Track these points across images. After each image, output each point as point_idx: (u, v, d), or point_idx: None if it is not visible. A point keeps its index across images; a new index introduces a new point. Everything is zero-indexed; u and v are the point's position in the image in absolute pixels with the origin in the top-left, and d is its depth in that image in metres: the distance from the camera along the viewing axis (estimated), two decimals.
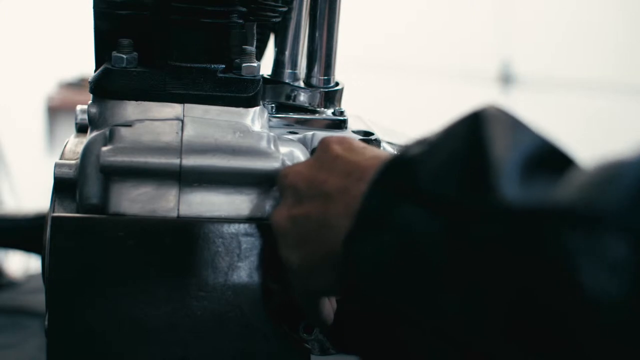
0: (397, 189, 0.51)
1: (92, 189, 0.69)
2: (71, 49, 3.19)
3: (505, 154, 0.47)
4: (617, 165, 0.43)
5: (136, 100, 0.71)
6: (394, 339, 0.52)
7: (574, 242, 0.41)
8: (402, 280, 0.50)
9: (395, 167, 0.53)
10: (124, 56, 0.71)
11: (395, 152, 0.58)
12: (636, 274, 0.40)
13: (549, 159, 0.48)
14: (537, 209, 0.44)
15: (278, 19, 0.78)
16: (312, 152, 0.75)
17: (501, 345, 0.44)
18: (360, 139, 0.75)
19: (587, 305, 0.40)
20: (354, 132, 0.78)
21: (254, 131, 0.71)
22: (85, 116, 0.74)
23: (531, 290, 0.43)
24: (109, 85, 0.71)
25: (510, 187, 0.46)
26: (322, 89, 0.80)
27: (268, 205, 0.71)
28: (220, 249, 0.69)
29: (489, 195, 0.46)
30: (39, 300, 0.91)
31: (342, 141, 0.65)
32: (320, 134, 0.76)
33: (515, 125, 0.50)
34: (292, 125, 0.78)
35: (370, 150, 0.63)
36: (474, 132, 0.50)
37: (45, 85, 3.60)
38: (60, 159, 0.74)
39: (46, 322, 0.68)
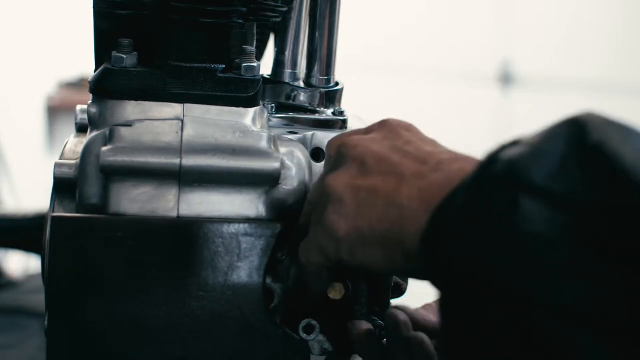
0: (507, 184, 0.50)
1: (92, 189, 0.69)
2: (71, 49, 3.19)
3: (633, 154, 0.48)
4: None
5: (136, 100, 0.71)
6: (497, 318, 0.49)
7: None
8: (512, 266, 0.48)
9: (493, 164, 0.51)
10: (124, 56, 0.71)
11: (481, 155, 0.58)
12: None
13: None
14: None
15: (278, 19, 0.78)
16: (312, 152, 0.75)
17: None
18: None
19: None
20: None
21: (254, 131, 0.71)
22: (85, 116, 0.74)
23: None
24: (109, 85, 0.71)
25: None
26: (322, 89, 0.80)
27: (268, 205, 0.71)
28: (220, 249, 0.69)
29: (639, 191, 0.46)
30: (39, 300, 0.91)
31: (409, 127, 0.66)
32: (320, 134, 0.76)
33: (624, 128, 0.51)
34: (292, 125, 0.78)
35: (438, 143, 0.64)
36: (580, 135, 0.50)
37: (45, 85, 3.60)
38: (60, 159, 0.73)
39: (46, 322, 0.68)
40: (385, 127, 0.66)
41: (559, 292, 0.46)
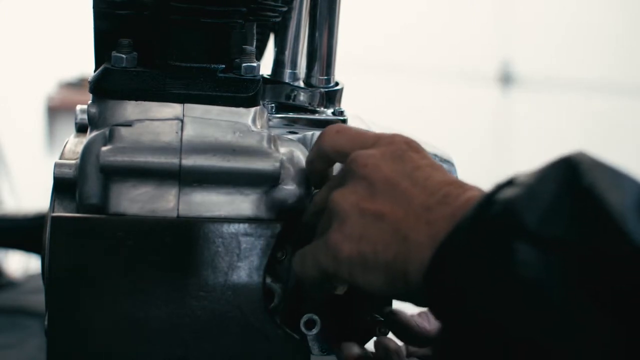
0: (503, 228, 0.52)
1: (91, 189, 0.69)
2: (71, 49, 3.19)
3: (619, 200, 0.49)
4: None
5: (136, 100, 0.71)
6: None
7: None
8: (511, 307, 0.50)
9: (490, 205, 0.53)
10: (124, 56, 0.71)
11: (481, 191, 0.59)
12: None
13: None
14: None
15: (278, 19, 0.78)
16: None
17: None
18: None
19: None
20: None
21: (254, 131, 0.71)
22: (85, 116, 0.74)
23: None
24: (109, 85, 0.71)
25: (637, 230, 0.48)
26: (322, 89, 0.80)
27: (268, 205, 0.71)
28: (220, 249, 0.69)
29: (621, 238, 0.48)
30: (39, 300, 0.91)
31: (417, 148, 0.65)
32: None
33: (614, 172, 0.52)
34: (292, 125, 0.78)
35: (444, 170, 0.64)
36: (572, 176, 0.51)
37: (45, 85, 3.60)
38: (60, 159, 0.73)
39: (46, 322, 0.68)
40: (394, 144, 0.65)
41: (554, 331, 0.48)
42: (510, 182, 0.54)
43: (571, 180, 0.51)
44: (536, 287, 0.49)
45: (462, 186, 0.61)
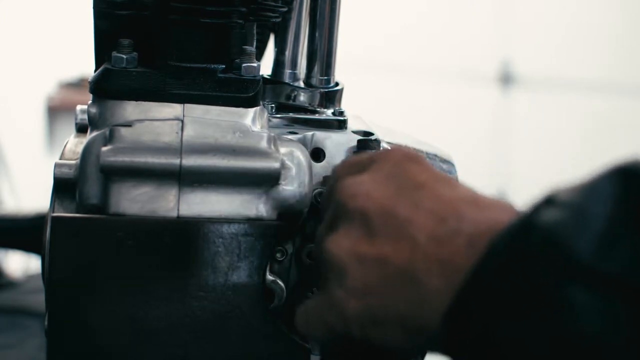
0: (549, 265, 0.41)
1: (92, 189, 0.69)
2: (71, 49, 3.19)
3: None
4: None
5: (136, 100, 0.71)
6: None
7: None
8: None
9: (532, 232, 0.43)
10: (124, 56, 0.71)
11: (513, 210, 0.48)
12: None
13: None
14: None
15: (278, 19, 0.78)
16: (312, 152, 0.75)
17: None
18: (360, 139, 0.75)
19: None
20: (353, 132, 0.78)
21: (254, 131, 0.71)
22: (85, 116, 0.74)
23: None
24: (109, 86, 0.71)
25: None
26: (322, 89, 0.80)
27: (268, 205, 0.71)
28: (220, 249, 0.69)
29: None
30: (39, 300, 0.91)
31: (417, 159, 0.56)
32: (320, 134, 0.76)
33: None
34: (292, 125, 0.78)
35: (453, 181, 0.54)
36: (629, 194, 0.41)
37: (45, 85, 3.60)
38: (60, 159, 0.74)
39: (46, 322, 0.68)
40: (389, 160, 0.56)
41: None
42: (549, 201, 0.44)
43: (628, 197, 0.41)
44: (598, 343, 0.39)
45: (479, 203, 0.50)
